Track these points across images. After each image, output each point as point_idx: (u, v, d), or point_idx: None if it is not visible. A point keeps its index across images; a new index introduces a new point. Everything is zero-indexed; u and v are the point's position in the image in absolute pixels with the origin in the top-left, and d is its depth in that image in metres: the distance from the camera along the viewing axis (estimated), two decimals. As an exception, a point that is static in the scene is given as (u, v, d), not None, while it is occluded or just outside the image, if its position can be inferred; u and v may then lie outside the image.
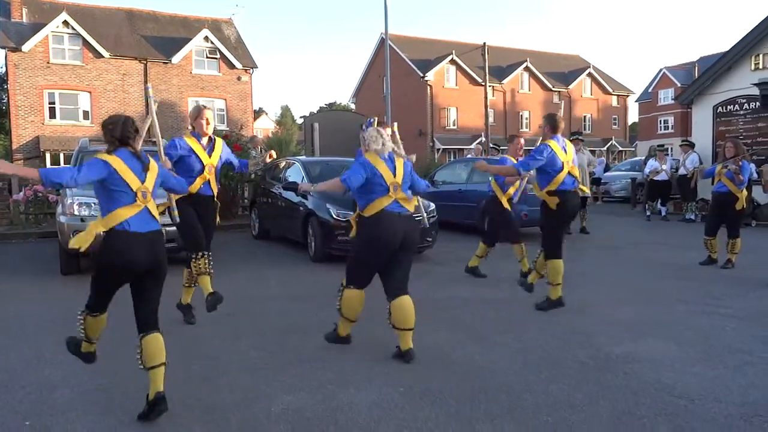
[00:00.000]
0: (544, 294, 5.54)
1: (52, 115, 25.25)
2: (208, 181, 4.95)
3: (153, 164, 3.38)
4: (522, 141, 7.24)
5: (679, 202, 14.42)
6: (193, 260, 4.92)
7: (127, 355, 4.33)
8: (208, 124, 4.97)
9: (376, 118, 5.01)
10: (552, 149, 5.28)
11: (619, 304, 5.73)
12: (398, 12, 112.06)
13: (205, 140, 5.01)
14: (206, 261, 4.89)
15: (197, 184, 4.87)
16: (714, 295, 6.04)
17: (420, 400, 3.47)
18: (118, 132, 3.27)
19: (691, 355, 4.24)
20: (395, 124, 5.33)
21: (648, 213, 13.85)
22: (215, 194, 5.09)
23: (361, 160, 4.28)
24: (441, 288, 6.51)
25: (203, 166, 4.90)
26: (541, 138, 5.62)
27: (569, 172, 5.33)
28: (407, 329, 4.09)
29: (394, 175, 4.18)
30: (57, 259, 7.60)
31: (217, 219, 5.25)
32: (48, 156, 23.75)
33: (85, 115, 25.84)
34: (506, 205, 6.93)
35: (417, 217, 4.92)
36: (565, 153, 5.34)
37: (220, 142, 5.13)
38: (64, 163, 22.56)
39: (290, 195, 8.81)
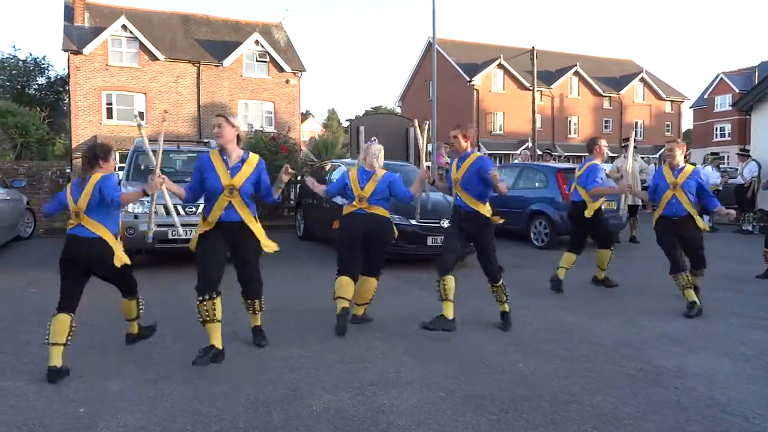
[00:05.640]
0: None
1: (109, 115, 26.24)
2: (231, 204, 4.12)
3: (89, 185, 3.98)
4: (603, 142, 6.93)
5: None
6: (199, 302, 4.00)
7: (174, 349, 4.46)
8: (217, 133, 4.13)
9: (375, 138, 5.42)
10: None
11: (669, 316, 5.55)
12: (446, 16, 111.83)
13: (233, 156, 4.17)
14: (213, 306, 3.99)
15: (216, 212, 4.12)
16: (772, 310, 5.79)
17: (461, 406, 3.45)
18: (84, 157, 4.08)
19: (747, 371, 4.07)
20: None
21: (711, 224, 13.39)
22: (246, 220, 4.18)
23: (344, 174, 5.28)
24: (483, 294, 6.44)
25: (223, 188, 4.10)
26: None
27: None
28: (363, 303, 5.26)
29: (362, 189, 5.03)
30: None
31: (264, 247, 4.27)
32: (105, 155, 24.69)
33: (140, 116, 26.78)
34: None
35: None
36: None
37: (254, 159, 4.24)
38: (120, 162, 23.36)
39: (336, 198, 8.87)
